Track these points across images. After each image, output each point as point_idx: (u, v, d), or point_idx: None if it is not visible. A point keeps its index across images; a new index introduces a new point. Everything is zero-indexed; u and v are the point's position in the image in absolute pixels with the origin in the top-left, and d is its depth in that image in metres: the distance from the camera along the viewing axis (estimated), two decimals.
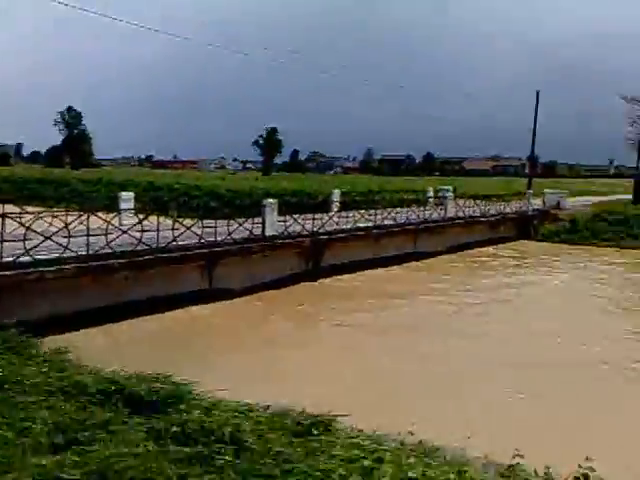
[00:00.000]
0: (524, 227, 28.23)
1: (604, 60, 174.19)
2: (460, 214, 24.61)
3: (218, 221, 14.56)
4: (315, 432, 5.41)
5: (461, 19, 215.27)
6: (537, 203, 30.34)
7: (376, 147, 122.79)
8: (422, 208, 23.70)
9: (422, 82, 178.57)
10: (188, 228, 13.71)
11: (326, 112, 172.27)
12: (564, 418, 7.68)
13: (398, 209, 22.47)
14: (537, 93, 36.87)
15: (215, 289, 13.86)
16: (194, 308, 12.62)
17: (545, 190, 32.30)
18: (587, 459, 4.75)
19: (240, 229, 14.73)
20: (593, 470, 4.69)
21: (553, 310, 14.37)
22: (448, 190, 27.04)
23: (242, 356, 9.98)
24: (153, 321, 11.55)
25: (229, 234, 14.24)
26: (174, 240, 12.95)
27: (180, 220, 14.25)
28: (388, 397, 8.06)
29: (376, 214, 20.20)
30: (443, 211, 24.08)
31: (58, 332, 9.60)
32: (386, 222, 20.28)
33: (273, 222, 15.77)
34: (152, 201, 28.71)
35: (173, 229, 13.09)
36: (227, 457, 4.53)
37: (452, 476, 4.53)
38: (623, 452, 6.46)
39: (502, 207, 27.66)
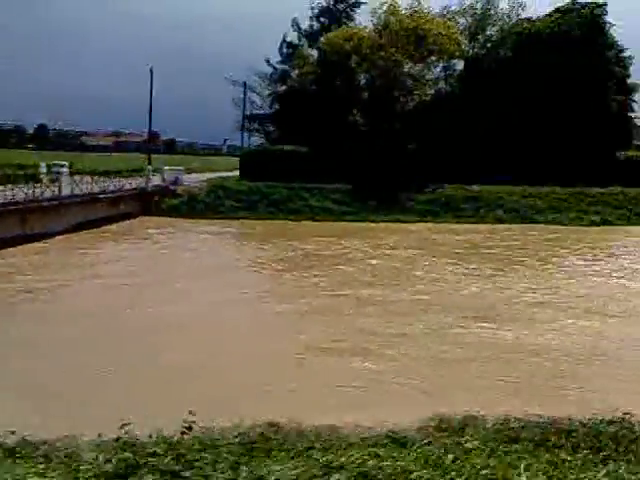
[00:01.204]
0: (145, 203, 28.95)
1: (216, 42, 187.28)
2: (77, 191, 23.47)
3: None
4: None
5: None
6: (158, 179, 31.47)
7: None
8: (33, 185, 21.65)
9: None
10: None
11: None
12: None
13: (2, 187, 19.86)
14: (151, 70, 37.75)
15: None
16: None
17: (164, 167, 33.64)
18: (190, 413, 4.59)
19: None
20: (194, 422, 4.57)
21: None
22: (64, 166, 25.34)
23: None
24: None
25: None
26: None
27: None
28: None
29: None
30: (57, 189, 22.47)
31: None
32: None
33: None
34: None
35: None
36: None
37: None
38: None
39: (122, 184, 27.65)
